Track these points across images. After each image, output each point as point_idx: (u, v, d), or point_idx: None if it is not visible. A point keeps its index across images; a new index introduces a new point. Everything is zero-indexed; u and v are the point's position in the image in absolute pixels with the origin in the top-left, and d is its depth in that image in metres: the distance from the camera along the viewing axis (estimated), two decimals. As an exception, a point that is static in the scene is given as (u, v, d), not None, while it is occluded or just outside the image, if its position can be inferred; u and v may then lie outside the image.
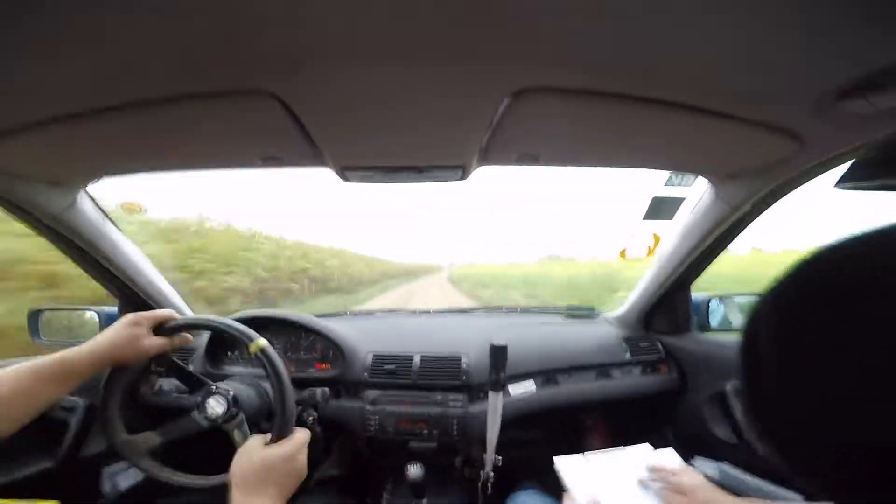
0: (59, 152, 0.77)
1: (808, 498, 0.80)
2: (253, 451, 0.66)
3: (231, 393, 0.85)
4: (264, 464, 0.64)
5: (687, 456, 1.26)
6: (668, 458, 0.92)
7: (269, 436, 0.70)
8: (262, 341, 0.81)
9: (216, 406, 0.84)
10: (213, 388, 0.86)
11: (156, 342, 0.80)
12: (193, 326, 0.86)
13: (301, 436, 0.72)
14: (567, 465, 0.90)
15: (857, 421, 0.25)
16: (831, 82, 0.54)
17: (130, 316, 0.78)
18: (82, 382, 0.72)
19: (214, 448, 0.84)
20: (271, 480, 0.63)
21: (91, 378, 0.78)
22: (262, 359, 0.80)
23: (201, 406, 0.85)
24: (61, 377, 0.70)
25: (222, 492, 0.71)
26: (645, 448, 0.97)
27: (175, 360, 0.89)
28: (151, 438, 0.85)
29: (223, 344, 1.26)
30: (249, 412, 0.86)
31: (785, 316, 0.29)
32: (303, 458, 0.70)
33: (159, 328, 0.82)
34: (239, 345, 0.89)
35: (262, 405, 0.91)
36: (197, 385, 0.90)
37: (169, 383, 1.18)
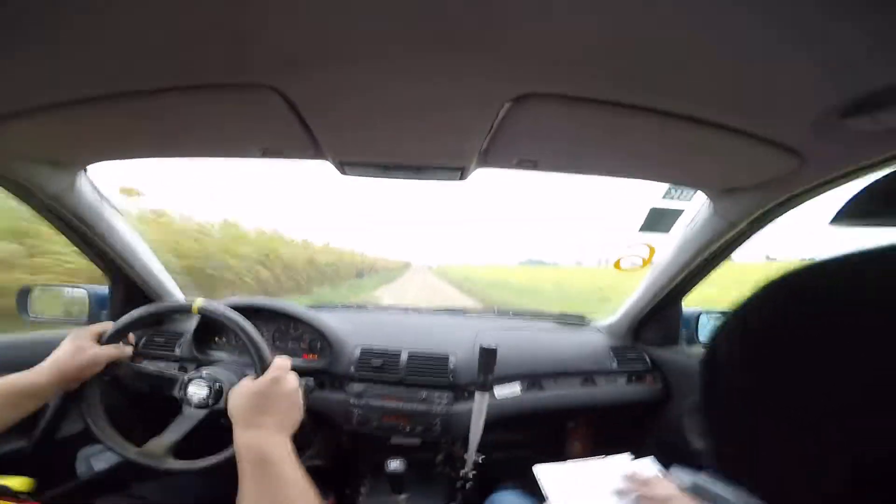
0: (62, 136, 0.78)
1: None
2: (242, 388, 0.68)
3: (206, 373, 0.86)
4: (254, 394, 0.66)
5: (666, 465, 1.27)
6: (647, 467, 0.93)
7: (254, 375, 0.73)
8: (200, 300, 0.84)
9: (199, 391, 0.85)
10: (186, 377, 0.88)
11: (104, 351, 0.82)
12: (130, 325, 0.87)
13: (280, 360, 0.74)
14: (546, 473, 0.91)
15: (822, 445, 0.25)
16: (835, 99, 0.53)
17: (71, 334, 0.81)
18: (42, 404, 0.74)
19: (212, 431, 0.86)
20: (266, 409, 0.64)
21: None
22: (208, 313, 0.84)
23: (185, 398, 0.85)
24: (16, 401, 0.71)
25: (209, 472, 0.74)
26: (625, 458, 0.97)
27: (135, 366, 0.90)
28: (162, 441, 0.84)
29: (210, 329, 1.26)
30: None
31: (751, 333, 0.29)
32: (292, 381, 0.71)
33: (101, 338, 0.84)
34: (185, 315, 0.91)
35: None
36: (167, 382, 0.91)
37: (152, 365, 1.18)
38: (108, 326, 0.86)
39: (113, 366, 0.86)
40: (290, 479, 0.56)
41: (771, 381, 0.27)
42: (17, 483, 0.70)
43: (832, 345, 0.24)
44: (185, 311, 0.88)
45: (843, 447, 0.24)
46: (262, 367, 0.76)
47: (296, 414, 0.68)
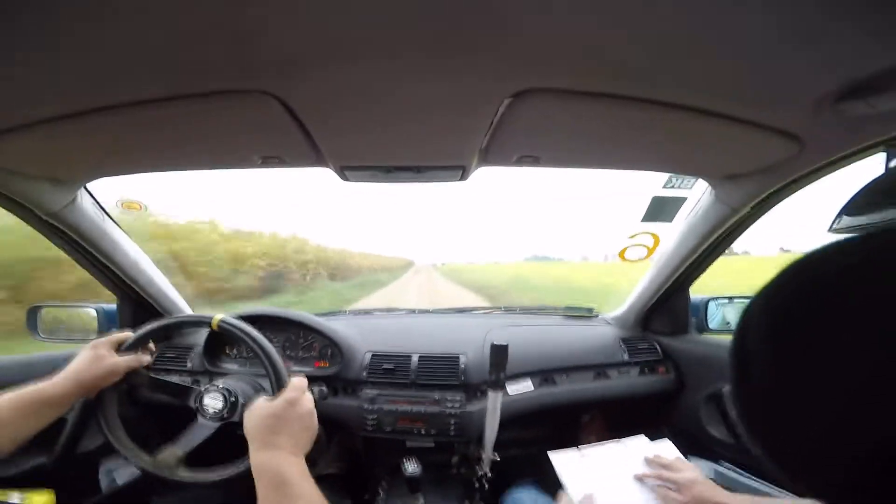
0: (60, 150, 0.77)
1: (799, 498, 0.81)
2: (257, 408, 0.69)
3: (222, 385, 0.86)
4: (270, 415, 0.66)
5: (683, 455, 1.26)
6: (666, 450, 0.92)
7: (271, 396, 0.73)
8: (219, 315, 0.85)
9: (214, 403, 0.85)
10: (202, 388, 0.88)
11: (123, 360, 0.83)
12: (149, 334, 0.88)
13: (297, 381, 0.74)
14: (562, 460, 0.89)
15: (845, 420, 0.25)
16: (831, 84, 0.54)
17: (91, 343, 0.82)
18: (62, 412, 0.75)
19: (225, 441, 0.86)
20: (281, 430, 0.65)
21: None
22: (227, 329, 0.84)
23: (201, 409, 0.85)
24: (38, 409, 0.72)
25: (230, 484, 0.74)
26: (641, 440, 0.96)
27: (152, 375, 0.90)
28: (175, 451, 0.85)
29: (221, 341, 1.26)
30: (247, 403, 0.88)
31: (775, 317, 0.29)
32: (307, 403, 0.71)
33: (120, 348, 0.85)
34: (205, 328, 0.92)
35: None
36: (183, 392, 0.91)
37: (167, 380, 1.18)
38: (127, 335, 0.87)
39: (130, 375, 0.86)
40: (306, 498, 0.57)
41: (796, 358, 0.27)
42: (39, 498, 0.70)
43: (852, 319, 0.25)
44: (204, 324, 0.89)
45: (869, 423, 0.24)
46: (279, 386, 0.76)
47: (311, 434, 0.69)
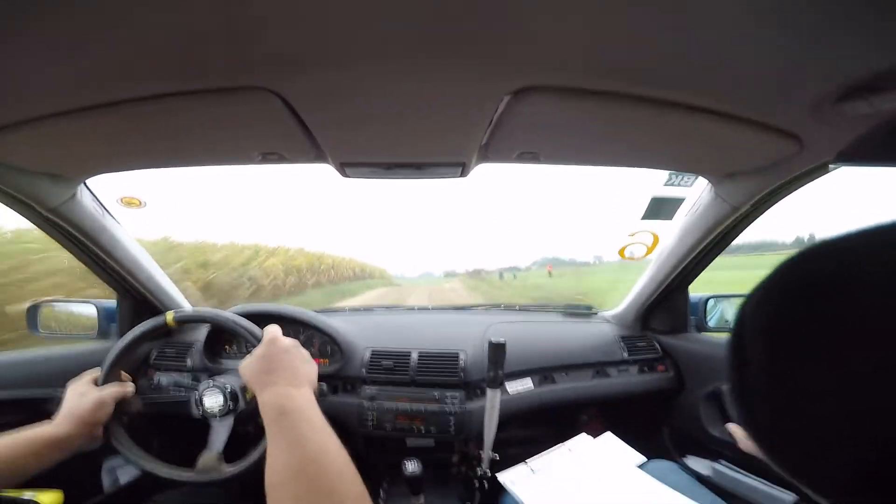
0: (60, 146, 0.77)
1: (800, 497, 0.81)
2: (246, 361, 0.70)
3: (212, 384, 0.88)
4: (257, 358, 0.69)
5: (682, 454, 1.26)
6: (610, 444, 0.92)
7: None
8: (171, 313, 0.90)
9: (215, 402, 0.85)
10: (198, 394, 0.89)
11: (107, 392, 0.83)
12: (115, 362, 0.89)
13: (269, 327, 0.76)
14: (514, 479, 0.87)
15: (844, 420, 0.25)
16: (831, 83, 0.54)
17: (68, 384, 0.83)
18: (67, 455, 0.75)
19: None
20: (273, 368, 0.66)
21: (81, 373, 0.80)
22: (184, 319, 0.89)
23: (206, 412, 0.86)
24: (39, 450, 0.72)
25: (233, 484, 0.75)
26: (584, 439, 0.96)
27: (145, 399, 0.93)
28: (212, 455, 0.86)
29: (220, 339, 1.26)
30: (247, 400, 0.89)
31: (772, 312, 0.29)
32: (287, 340, 0.73)
33: (97, 382, 0.86)
34: (163, 331, 0.93)
35: None
36: (184, 405, 0.92)
37: (167, 378, 1.18)
38: (97, 372, 0.88)
39: (124, 404, 0.87)
40: (308, 422, 0.56)
41: (792, 355, 0.27)
42: (48, 498, 0.70)
43: (846, 316, 0.25)
44: (161, 326, 0.91)
45: (869, 422, 0.24)
46: (256, 340, 0.78)
47: (304, 366, 0.70)
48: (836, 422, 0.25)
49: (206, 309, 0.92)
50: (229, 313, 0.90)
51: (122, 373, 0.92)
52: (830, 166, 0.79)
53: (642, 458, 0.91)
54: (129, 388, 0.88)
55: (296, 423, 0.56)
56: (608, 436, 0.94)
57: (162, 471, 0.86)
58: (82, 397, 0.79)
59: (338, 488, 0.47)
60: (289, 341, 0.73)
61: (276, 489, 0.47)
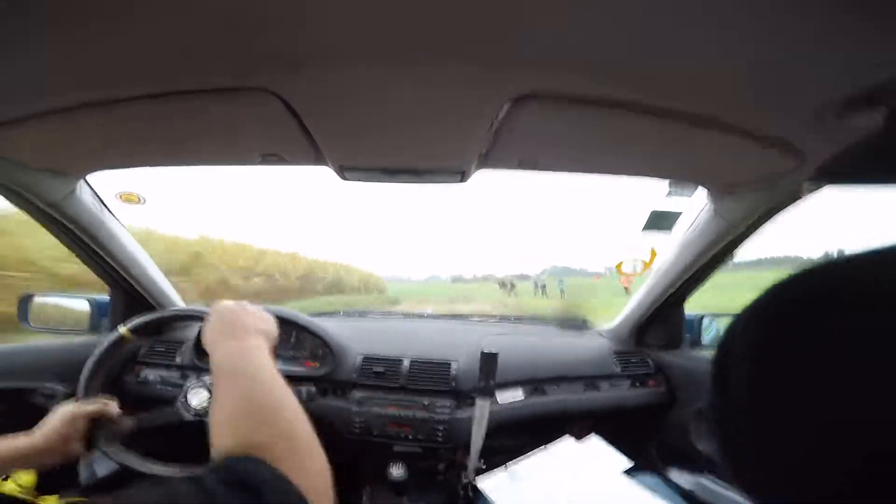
0: (61, 143, 0.78)
1: None
2: (200, 334, 0.65)
3: (207, 379, 0.86)
4: (209, 325, 0.61)
5: (668, 468, 1.25)
6: (595, 448, 0.90)
7: None
8: (123, 327, 0.90)
9: (196, 397, 0.84)
10: (190, 382, 0.89)
11: (81, 406, 0.80)
12: (87, 384, 0.89)
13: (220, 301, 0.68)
14: (494, 487, 0.83)
15: (827, 440, 0.24)
16: (834, 96, 0.54)
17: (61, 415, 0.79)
18: (45, 466, 0.73)
19: (196, 440, 0.84)
20: (223, 328, 0.59)
21: (68, 366, 0.78)
22: (139, 328, 0.91)
23: (185, 401, 0.85)
24: (17, 462, 0.71)
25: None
26: (568, 441, 0.93)
27: (138, 417, 0.88)
28: (125, 423, 0.84)
29: None
30: None
31: (759, 334, 0.29)
32: (234, 302, 0.66)
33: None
34: (124, 346, 0.93)
35: None
36: (172, 415, 0.90)
37: (154, 374, 1.17)
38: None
39: (108, 423, 0.83)
40: (254, 366, 0.51)
41: (776, 376, 0.27)
42: (24, 476, 0.69)
43: (838, 339, 0.24)
44: (117, 343, 0.90)
45: (850, 440, 0.24)
46: (205, 314, 0.72)
47: (251, 319, 0.63)
48: (817, 444, 0.25)
49: (152, 314, 0.93)
50: (175, 307, 0.90)
51: (102, 396, 0.88)
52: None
53: (628, 463, 0.89)
54: (112, 408, 0.84)
55: (239, 367, 0.51)
56: (593, 439, 0.91)
57: (156, 469, 0.84)
58: (57, 412, 0.78)
59: (287, 427, 0.43)
60: (235, 302, 0.67)
61: (221, 426, 0.43)
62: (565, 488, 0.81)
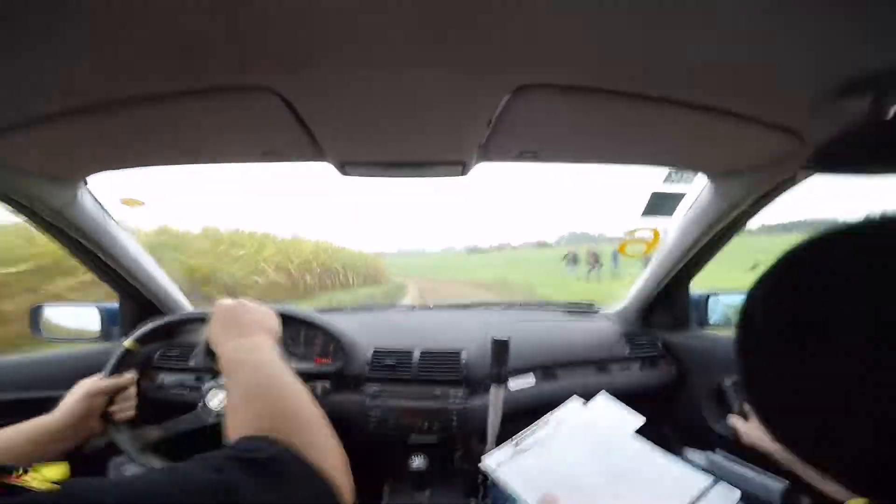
0: (60, 147, 0.77)
1: (791, 484, 0.81)
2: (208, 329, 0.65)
3: (219, 381, 0.87)
4: (213, 323, 0.63)
5: (682, 448, 1.27)
6: (602, 406, 0.85)
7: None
8: (128, 341, 0.91)
9: (214, 399, 0.85)
10: (204, 388, 0.90)
11: (99, 381, 0.83)
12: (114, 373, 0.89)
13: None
14: (497, 462, 0.74)
15: (854, 403, 0.25)
16: (832, 80, 0.54)
17: (78, 392, 0.81)
18: (64, 448, 0.74)
19: (219, 442, 0.85)
20: (227, 327, 0.61)
21: (84, 374, 0.80)
22: (143, 338, 0.92)
23: (204, 405, 0.86)
24: (42, 440, 0.71)
25: None
26: (574, 404, 0.87)
27: (165, 427, 0.90)
28: (153, 433, 0.85)
29: None
30: None
31: (779, 300, 0.30)
32: (233, 300, 0.67)
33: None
34: (132, 360, 0.93)
35: None
36: (196, 419, 0.92)
37: (170, 378, 1.18)
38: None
39: (122, 401, 0.85)
40: (261, 359, 0.53)
41: (801, 341, 0.27)
42: (51, 471, 0.70)
43: (855, 302, 0.25)
44: (126, 357, 0.91)
45: (867, 403, 0.24)
46: (208, 315, 0.73)
47: (254, 316, 0.64)
48: (845, 405, 0.26)
49: (152, 323, 0.95)
50: (180, 314, 0.93)
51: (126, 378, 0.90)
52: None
53: (640, 420, 0.83)
54: (126, 378, 0.86)
55: (245, 361, 0.52)
56: (601, 398, 0.85)
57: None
58: (74, 391, 0.80)
59: (294, 409, 0.45)
60: (235, 301, 0.67)
61: (233, 417, 0.45)
62: (577, 456, 0.75)
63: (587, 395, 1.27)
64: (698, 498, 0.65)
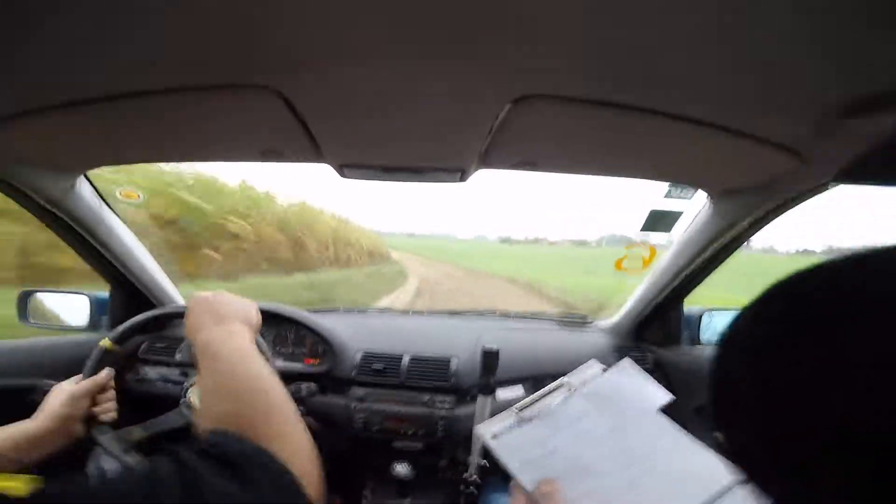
0: (61, 138, 0.77)
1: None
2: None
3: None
4: (189, 313, 0.60)
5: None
6: (628, 374, 0.74)
7: None
8: (105, 340, 0.91)
9: (196, 395, 0.85)
10: (186, 383, 0.89)
11: (81, 384, 0.81)
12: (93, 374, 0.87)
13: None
14: (497, 436, 0.61)
15: (832, 435, 0.25)
16: (835, 99, 0.53)
17: (55, 386, 0.81)
18: (46, 452, 0.73)
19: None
20: (202, 317, 0.58)
21: (67, 363, 0.79)
22: (122, 337, 0.92)
23: (186, 401, 0.85)
24: (23, 445, 0.70)
25: None
26: (593, 370, 0.77)
27: (147, 427, 0.89)
28: (136, 433, 0.84)
29: None
30: None
31: (761, 332, 0.29)
32: (209, 292, 0.64)
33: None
34: (111, 358, 0.92)
35: None
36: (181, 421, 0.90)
37: (154, 371, 1.17)
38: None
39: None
40: (232, 349, 0.50)
41: (778, 373, 0.27)
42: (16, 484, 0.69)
43: (839, 339, 0.24)
44: (104, 356, 0.89)
45: (851, 438, 0.24)
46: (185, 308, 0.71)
47: (230, 306, 0.61)
48: (822, 441, 0.25)
49: (134, 319, 0.95)
50: (157, 309, 0.93)
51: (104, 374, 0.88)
52: (830, 184, 0.78)
53: (667, 396, 0.70)
54: (103, 375, 0.85)
55: (218, 352, 0.50)
56: (626, 363, 0.71)
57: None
58: (57, 394, 0.78)
59: (265, 404, 0.44)
60: (212, 293, 0.65)
61: (204, 408, 0.45)
62: (590, 436, 0.61)
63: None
64: (721, 495, 0.53)
